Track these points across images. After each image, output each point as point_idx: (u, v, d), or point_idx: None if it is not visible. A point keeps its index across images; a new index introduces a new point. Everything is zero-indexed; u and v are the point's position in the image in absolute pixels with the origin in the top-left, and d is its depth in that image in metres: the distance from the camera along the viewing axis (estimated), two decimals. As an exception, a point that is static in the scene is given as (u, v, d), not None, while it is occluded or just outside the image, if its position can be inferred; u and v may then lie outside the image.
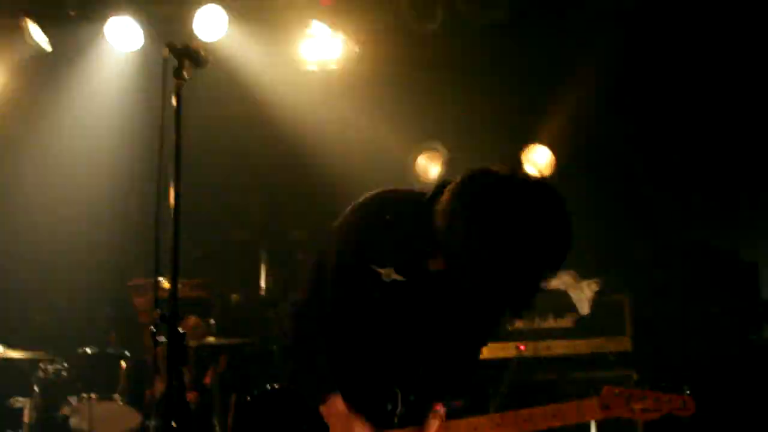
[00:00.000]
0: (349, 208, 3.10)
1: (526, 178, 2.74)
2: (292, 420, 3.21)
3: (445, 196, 2.78)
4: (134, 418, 5.85)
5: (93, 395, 5.71)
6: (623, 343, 6.09)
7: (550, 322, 6.19)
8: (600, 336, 6.11)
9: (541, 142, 6.90)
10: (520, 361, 6.01)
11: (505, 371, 5.94)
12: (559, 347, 6.14)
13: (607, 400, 3.06)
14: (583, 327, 6.14)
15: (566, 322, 6.18)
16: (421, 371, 3.16)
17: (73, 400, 5.67)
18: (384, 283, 3.03)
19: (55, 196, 7.27)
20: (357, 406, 3.11)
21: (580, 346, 6.11)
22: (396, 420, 3.14)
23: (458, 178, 2.81)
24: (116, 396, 5.79)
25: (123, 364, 5.85)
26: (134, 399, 5.78)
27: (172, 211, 2.94)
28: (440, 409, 3.18)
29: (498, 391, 5.90)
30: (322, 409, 3.09)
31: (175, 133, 2.97)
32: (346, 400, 3.10)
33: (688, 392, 3.06)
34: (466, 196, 2.72)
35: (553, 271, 2.77)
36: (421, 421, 3.14)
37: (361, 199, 3.10)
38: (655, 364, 6.30)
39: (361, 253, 3.03)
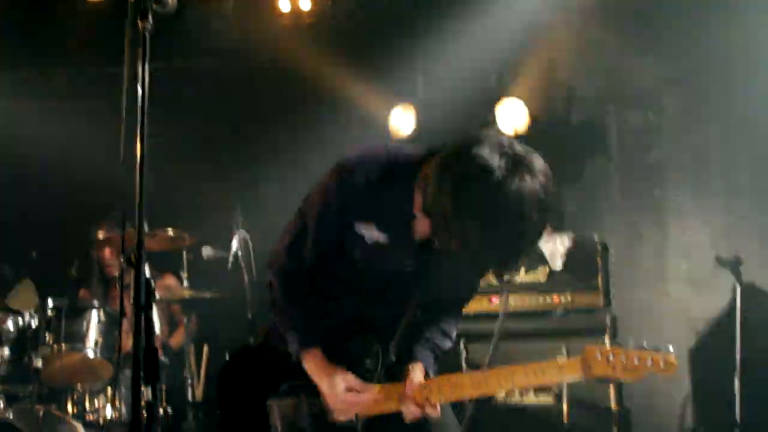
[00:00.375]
0: (332, 167, 3.10)
1: (511, 152, 2.72)
2: (271, 378, 3.24)
3: (431, 178, 2.79)
4: (106, 369, 5.84)
5: (64, 346, 5.68)
6: (595, 298, 6.12)
7: (522, 276, 6.20)
8: (572, 290, 6.13)
9: (515, 96, 6.88)
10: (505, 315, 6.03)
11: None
12: (531, 301, 6.16)
13: (589, 360, 3.01)
14: (556, 281, 6.16)
15: (538, 275, 6.19)
16: (403, 331, 3.17)
17: (44, 351, 5.63)
18: (365, 242, 3.05)
19: (18, 147, 7.19)
20: (337, 364, 3.14)
21: (552, 300, 6.13)
22: (376, 378, 3.17)
23: (441, 155, 2.81)
24: (87, 348, 5.77)
25: (94, 315, 5.81)
26: (106, 351, 5.76)
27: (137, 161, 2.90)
28: (421, 367, 3.19)
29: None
30: (305, 362, 3.12)
31: (140, 77, 2.92)
32: (328, 357, 3.13)
33: (670, 350, 3.03)
34: (450, 182, 2.73)
35: (536, 241, 2.79)
36: (401, 379, 3.16)
37: (344, 158, 3.10)
38: (628, 318, 6.34)
39: (342, 211, 3.05)
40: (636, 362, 3.01)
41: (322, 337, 3.15)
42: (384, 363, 3.17)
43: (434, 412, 3.09)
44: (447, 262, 2.98)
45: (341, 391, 3.09)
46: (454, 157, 2.76)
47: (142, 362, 2.76)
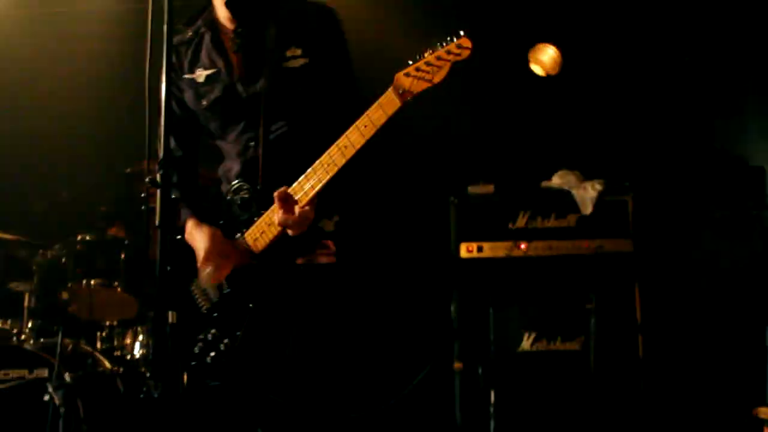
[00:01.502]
0: None
1: None
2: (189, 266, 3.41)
3: None
4: (132, 306, 5.86)
5: (93, 282, 5.71)
6: (625, 244, 6.06)
7: (552, 222, 6.16)
8: (602, 237, 6.08)
9: (548, 40, 6.78)
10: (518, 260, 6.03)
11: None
12: (561, 247, 6.11)
13: (400, 84, 3.04)
14: (586, 227, 6.11)
15: (568, 221, 6.14)
16: (265, 161, 3.34)
17: (73, 286, 5.66)
18: (201, 84, 3.40)
19: (50, 85, 7.19)
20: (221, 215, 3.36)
21: (582, 246, 6.08)
22: (254, 214, 3.32)
23: None
24: (116, 284, 5.79)
25: (123, 251, 5.82)
26: (133, 287, 5.78)
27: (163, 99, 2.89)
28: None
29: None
30: (186, 238, 3.37)
31: (165, 14, 2.91)
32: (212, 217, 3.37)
33: (461, 34, 3.03)
34: None
35: None
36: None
37: None
38: (657, 264, 6.29)
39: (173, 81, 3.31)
40: (439, 60, 3.03)
41: (196, 207, 3.42)
42: (257, 197, 3.32)
43: (308, 212, 3.16)
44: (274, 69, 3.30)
45: (209, 253, 3.25)
46: None
47: (164, 286, 2.76)
